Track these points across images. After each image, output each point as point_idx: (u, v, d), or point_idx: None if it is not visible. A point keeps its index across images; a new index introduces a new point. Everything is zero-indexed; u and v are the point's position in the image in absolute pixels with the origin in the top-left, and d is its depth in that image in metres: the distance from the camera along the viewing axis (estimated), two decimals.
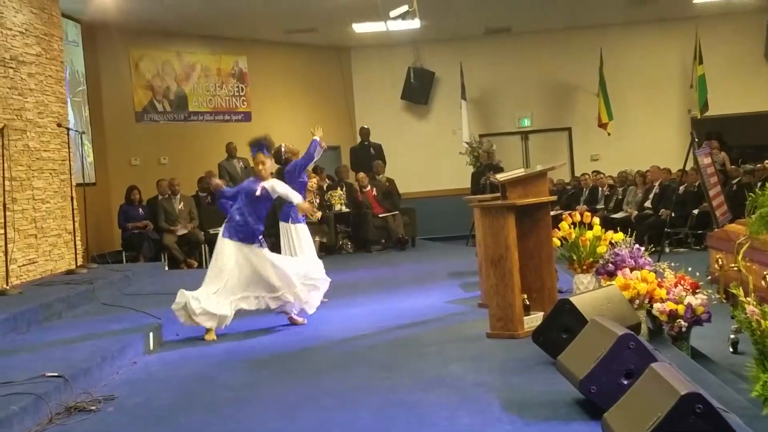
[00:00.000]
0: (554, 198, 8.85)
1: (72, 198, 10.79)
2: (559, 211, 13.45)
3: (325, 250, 14.37)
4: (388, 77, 18.50)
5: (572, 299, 5.78)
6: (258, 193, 7.65)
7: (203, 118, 16.47)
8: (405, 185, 16.62)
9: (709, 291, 6.35)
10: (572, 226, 8.02)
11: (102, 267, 10.98)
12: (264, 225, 7.85)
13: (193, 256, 13.84)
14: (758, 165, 13.81)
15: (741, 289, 4.63)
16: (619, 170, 16.17)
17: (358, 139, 16.99)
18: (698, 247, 12.79)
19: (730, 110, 17.81)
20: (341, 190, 15.50)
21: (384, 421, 4.82)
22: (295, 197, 7.90)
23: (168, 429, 5.04)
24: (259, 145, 7.86)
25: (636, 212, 14.19)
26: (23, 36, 10.06)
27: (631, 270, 6.76)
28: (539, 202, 7.21)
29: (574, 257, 7.97)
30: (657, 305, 6.20)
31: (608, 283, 6.73)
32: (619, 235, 7.77)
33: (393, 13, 12.81)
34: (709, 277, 7.05)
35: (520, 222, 6.97)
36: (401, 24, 14.20)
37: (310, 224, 13.84)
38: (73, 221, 10.63)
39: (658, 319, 6.22)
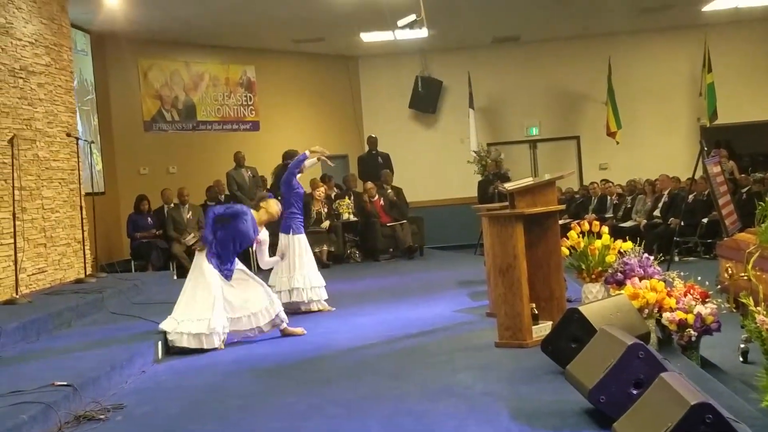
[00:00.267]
0: (563, 207, 8.84)
1: (81, 207, 10.84)
2: (568, 220, 13.45)
3: (333, 259, 14.40)
4: (396, 86, 18.52)
5: (581, 308, 5.76)
6: (254, 247, 8.20)
7: (211, 127, 16.51)
8: (413, 194, 16.61)
9: (719, 300, 6.32)
10: (581, 235, 7.99)
11: (111, 276, 11.01)
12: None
13: None
14: None
15: (751, 298, 4.61)
16: (627, 179, 16.14)
17: (366, 148, 16.99)
18: (708, 256, 12.75)
19: (740, 119, 17.79)
20: (349, 199, 15.52)
21: (392, 430, 4.81)
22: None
23: None
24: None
25: (645, 221, 14.15)
26: (33, 46, 10.11)
27: (641, 279, 6.74)
28: (548, 211, 7.19)
29: (583, 266, 7.94)
30: (666, 314, 6.17)
31: (617, 292, 6.71)
32: (628, 244, 7.74)
33: (401, 23, 12.82)
34: (719, 287, 7.02)
35: (529, 231, 6.96)
36: (409, 33, 14.22)
37: (318, 233, 13.98)
38: (82, 230, 10.66)
39: (668, 328, 6.19)
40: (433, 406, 5.22)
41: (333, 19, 14.76)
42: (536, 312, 6.95)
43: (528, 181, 7.50)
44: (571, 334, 5.66)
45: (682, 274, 6.91)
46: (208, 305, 7.42)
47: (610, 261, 7.69)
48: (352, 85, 18.88)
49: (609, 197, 15.86)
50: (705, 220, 13.24)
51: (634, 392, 4.32)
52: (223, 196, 14.84)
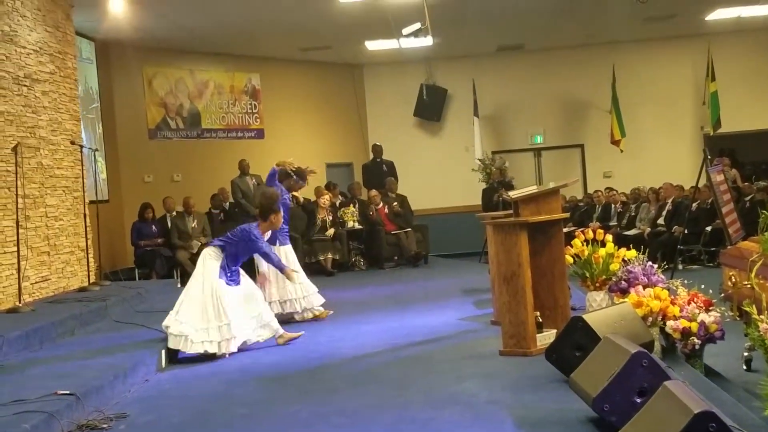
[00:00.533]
0: (567, 215, 8.83)
1: (85, 215, 10.83)
2: (572, 228, 13.42)
3: (337, 267, 14.39)
4: (401, 94, 18.55)
5: (585, 317, 5.76)
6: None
7: (216, 135, 16.53)
8: (417, 202, 16.61)
9: (723, 308, 6.31)
10: (585, 243, 7.99)
11: (114, 284, 11.02)
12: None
13: None
14: None
15: (754, 306, 4.61)
16: (631, 187, 16.15)
17: (371, 156, 17.01)
18: (711, 264, 12.73)
19: (743, 127, 17.80)
20: (354, 206, 15.52)
21: None
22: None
23: None
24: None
25: (649, 229, 14.14)
26: (37, 54, 10.14)
27: (644, 287, 6.73)
28: (552, 219, 7.19)
29: (587, 274, 7.94)
30: (670, 323, 6.16)
31: (621, 300, 6.70)
32: (632, 252, 7.73)
33: (405, 31, 12.84)
34: (723, 295, 7.00)
35: (533, 239, 6.96)
36: (414, 41, 14.25)
37: (322, 241, 13.97)
38: (86, 238, 10.66)
39: (672, 336, 6.18)
40: (438, 414, 5.22)
41: (338, 28, 14.79)
42: (540, 320, 6.94)
43: (532, 189, 7.50)
44: (575, 342, 5.66)
45: (685, 282, 6.89)
46: (222, 312, 7.50)
47: (614, 269, 7.68)
48: (357, 93, 18.91)
49: (613, 205, 15.85)
50: (708, 229, 13.22)
51: (638, 401, 4.31)
52: (227, 204, 14.85)
